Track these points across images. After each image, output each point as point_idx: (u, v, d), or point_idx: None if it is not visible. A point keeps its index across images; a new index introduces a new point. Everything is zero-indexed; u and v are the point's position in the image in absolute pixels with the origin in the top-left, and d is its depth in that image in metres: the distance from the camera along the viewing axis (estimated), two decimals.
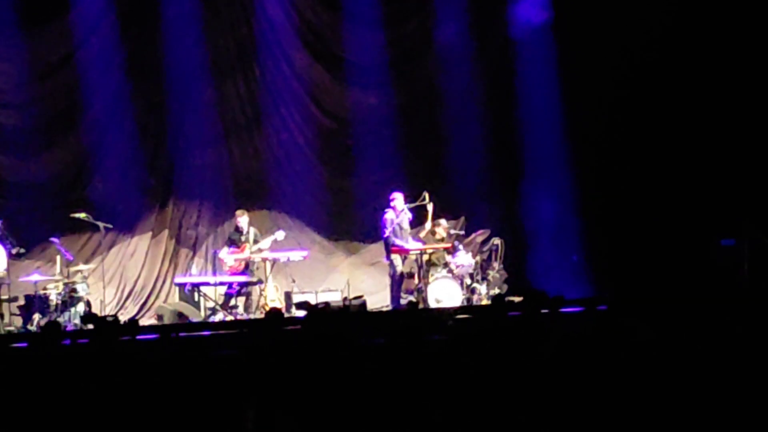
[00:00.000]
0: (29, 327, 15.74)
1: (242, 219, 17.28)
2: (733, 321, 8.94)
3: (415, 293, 16.79)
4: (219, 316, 16.34)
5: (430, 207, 17.04)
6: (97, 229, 17.14)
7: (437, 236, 17.38)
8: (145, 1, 18.15)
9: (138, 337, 9.82)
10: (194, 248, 18.66)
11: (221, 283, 16.84)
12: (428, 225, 17.19)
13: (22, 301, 16.31)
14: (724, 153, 17.49)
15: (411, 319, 11.79)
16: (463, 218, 18.43)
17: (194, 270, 18.18)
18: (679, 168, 17.74)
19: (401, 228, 16.98)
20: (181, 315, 16.34)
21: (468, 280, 17.20)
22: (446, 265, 17.09)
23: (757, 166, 17.38)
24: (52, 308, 15.91)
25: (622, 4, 17.95)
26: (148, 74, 18.40)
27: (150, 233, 18.51)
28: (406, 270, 17.10)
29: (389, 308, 16.94)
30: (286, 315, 15.33)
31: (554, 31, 18.65)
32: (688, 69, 17.82)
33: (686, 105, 17.79)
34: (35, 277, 16.17)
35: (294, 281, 17.49)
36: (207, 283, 16.91)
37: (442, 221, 17.55)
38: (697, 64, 17.76)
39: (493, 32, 19.02)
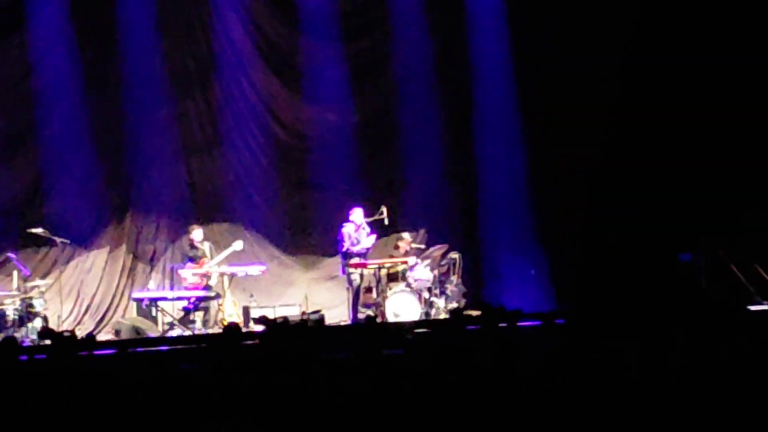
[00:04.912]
0: None
1: (196, 233, 17.17)
2: (690, 334, 9.01)
3: (374, 307, 16.81)
4: (177, 331, 16.27)
5: (387, 221, 17.10)
6: (54, 244, 17.06)
7: (401, 250, 17.44)
8: (102, 18, 18.08)
9: (95, 352, 9.76)
10: (152, 263, 18.58)
11: (179, 298, 16.75)
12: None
13: None
14: (684, 168, 17.53)
15: (370, 333, 11.81)
16: (423, 231, 18.48)
17: (152, 285, 18.08)
18: (639, 182, 17.79)
19: (359, 242, 17.00)
20: (138, 330, 16.25)
21: (426, 294, 17.21)
22: (404, 279, 17.13)
23: (714, 180, 17.44)
24: (9, 324, 15.81)
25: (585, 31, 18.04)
26: (106, 90, 18.33)
27: (107, 248, 18.42)
28: (364, 284, 17.12)
29: (348, 322, 16.94)
30: (244, 330, 15.30)
31: (514, 45, 18.76)
32: (651, 81, 17.87)
33: (644, 125, 17.84)
34: None
35: (252, 296, 17.47)
36: (165, 298, 16.82)
37: (405, 235, 17.63)
38: (663, 75, 17.81)
39: (452, 47, 19.11)
